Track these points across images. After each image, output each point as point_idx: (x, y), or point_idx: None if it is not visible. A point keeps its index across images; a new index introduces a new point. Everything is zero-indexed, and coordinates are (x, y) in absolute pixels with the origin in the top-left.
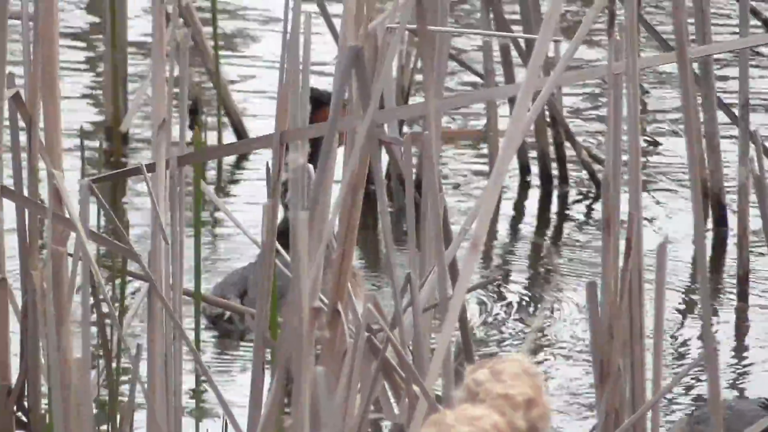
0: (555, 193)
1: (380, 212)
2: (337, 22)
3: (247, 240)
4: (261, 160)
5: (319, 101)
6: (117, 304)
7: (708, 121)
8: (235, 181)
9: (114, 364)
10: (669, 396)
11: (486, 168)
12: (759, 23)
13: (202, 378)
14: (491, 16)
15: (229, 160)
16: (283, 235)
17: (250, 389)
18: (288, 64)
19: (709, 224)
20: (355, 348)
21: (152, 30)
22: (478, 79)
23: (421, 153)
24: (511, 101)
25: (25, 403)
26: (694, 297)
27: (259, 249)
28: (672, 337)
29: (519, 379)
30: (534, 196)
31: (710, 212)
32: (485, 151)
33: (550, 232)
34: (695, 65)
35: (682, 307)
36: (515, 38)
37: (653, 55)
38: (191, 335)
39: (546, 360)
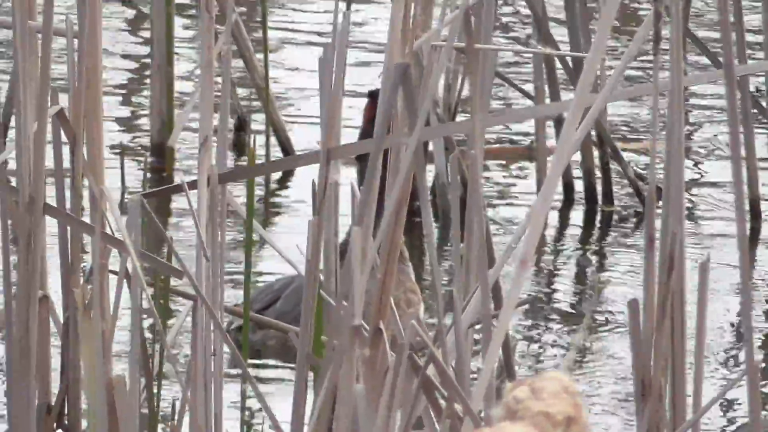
0: (599, 211)
1: (426, 234)
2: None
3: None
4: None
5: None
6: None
7: (747, 136)
8: (282, 196)
9: (156, 382)
10: (709, 415)
11: (525, 183)
12: None
13: (249, 394)
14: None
15: (276, 174)
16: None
17: (292, 406)
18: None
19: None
20: (398, 366)
21: (200, 48)
22: (512, 95)
23: (464, 171)
24: (557, 120)
25: (65, 421)
26: (735, 315)
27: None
28: (713, 354)
29: (559, 397)
30: (578, 213)
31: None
32: (522, 166)
33: (593, 250)
34: None
35: (723, 325)
36: (562, 56)
37: (699, 73)
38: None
39: (586, 377)
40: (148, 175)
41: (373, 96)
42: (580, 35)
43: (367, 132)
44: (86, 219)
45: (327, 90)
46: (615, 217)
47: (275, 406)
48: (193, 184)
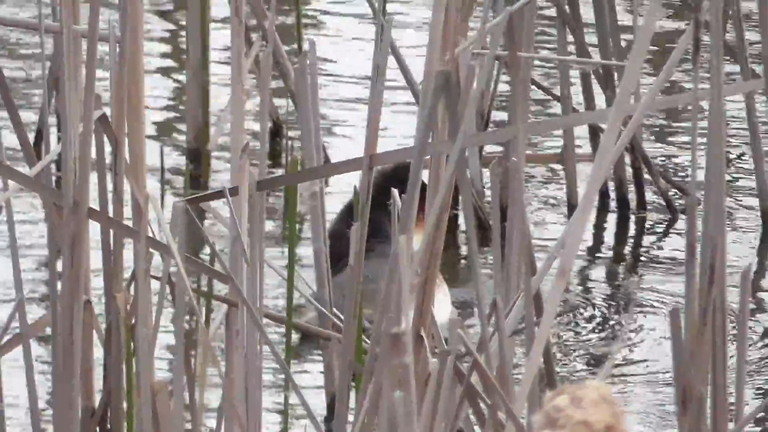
0: (632, 219)
1: (468, 239)
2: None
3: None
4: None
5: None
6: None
7: None
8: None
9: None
10: (752, 424)
11: (554, 192)
12: None
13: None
14: (569, 39)
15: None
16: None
17: (335, 413)
18: (377, 85)
19: None
20: (441, 372)
21: (232, 54)
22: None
23: (505, 178)
24: (592, 127)
25: (108, 425)
26: None
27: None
28: (755, 363)
29: (598, 405)
30: (611, 221)
31: None
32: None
33: (627, 258)
34: None
35: (762, 334)
36: (597, 65)
37: (739, 82)
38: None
39: (626, 387)
40: (185, 181)
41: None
42: (611, 43)
43: None
44: (127, 224)
45: (377, 98)
46: (647, 224)
47: (316, 412)
48: (234, 191)
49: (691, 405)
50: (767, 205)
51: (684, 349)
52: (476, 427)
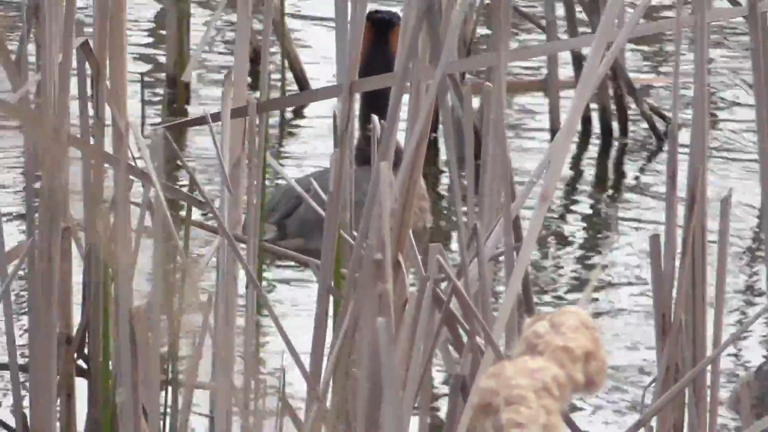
0: (615, 145)
1: (449, 166)
2: None
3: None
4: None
5: (390, 23)
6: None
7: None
8: (292, 134)
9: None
10: (732, 351)
11: (533, 119)
12: None
13: (264, 323)
14: None
15: (288, 112)
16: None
17: (312, 339)
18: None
19: None
20: (420, 298)
21: None
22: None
23: (483, 103)
24: (576, 55)
25: (86, 351)
26: (759, 254)
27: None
28: (735, 292)
29: (578, 331)
30: (594, 147)
31: None
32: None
33: (609, 184)
34: None
35: (746, 265)
36: None
37: (723, 7)
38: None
39: (605, 313)
40: (164, 108)
41: (370, 20)
42: None
43: (368, 60)
44: (109, 150)
45: (343, 21)
46: (630, 150)
47: (295, 340)
48: (215, 117)
49: (670, 331)
50: None
51: (663, 275)
52: (454, 352)
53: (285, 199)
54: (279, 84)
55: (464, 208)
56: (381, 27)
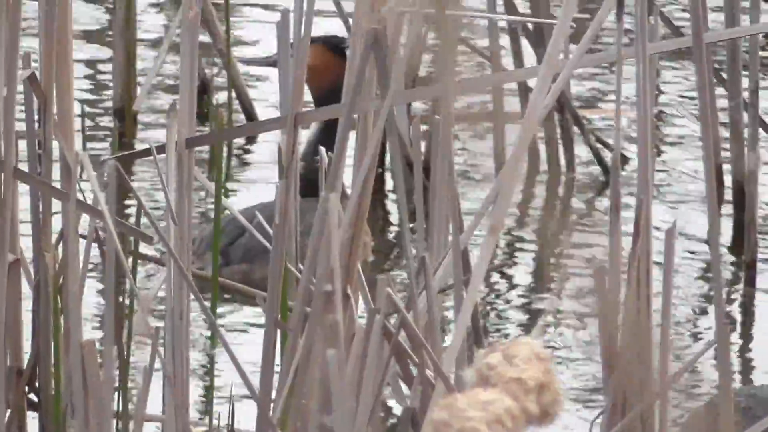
0: (562, 178)
1: (396, 193)
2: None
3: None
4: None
5: (341, 48)
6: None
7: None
8: (245, 164)
9: (128, 347)
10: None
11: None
12: None
13: (216, 352)
14: None
15: (239, 143)
16: None
17: (260, 370)
18: (296, 41)
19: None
20: (369, 331)
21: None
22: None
23: (431, 135)
24: (522, 85)
25: (37, 384)
26: (706, 284)
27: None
28: (678, 324)
29: (531, 363)
30: (541, 180)
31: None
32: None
33: (557, 216)
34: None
35: (694, 294)
36: (532, 23)
37: (665, 40)
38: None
39: (554, 345)
40: (111, 140)
41: (330, 44)
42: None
43: (338, 85)
44: (57, 183)
45: (285, 53)
46: (577, 182)
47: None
48: (161, 149)
49: (616, 363)
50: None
51: (609, 307)
52: (404, 385)
53: (228, 228)
54: (227, 114)
55: (414, 240)
56: (343, 51)
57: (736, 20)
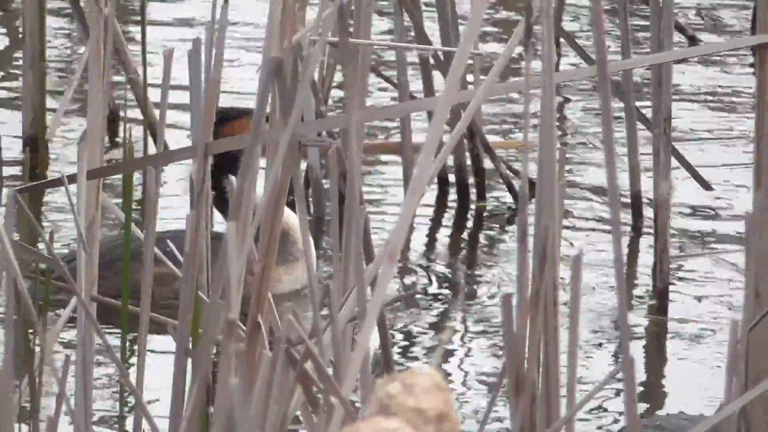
0: (472, 206)
1: (300, 226)
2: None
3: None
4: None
5: (223, 118)
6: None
7: (630, 136)
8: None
9: (37, 376)
10: (587, 413)
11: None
12: (683, 39)
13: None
14: (404, 25)
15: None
16: None
17: (171, 398)
18: (207, 75)
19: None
20: (274, 359)
21: (75, 42)
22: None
23: (342, 168)
24: (431, 114)
25: None
26: (611, 313)
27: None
28: (591, 349)
29: (431, 393)
30: (451, 208)
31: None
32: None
33: (466, 245)
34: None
35: (600, 324)
36: (433, 50)
37: (572, 69)
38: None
39: (459, 373)
40: (23, 169)
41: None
42: (451, 30)
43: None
44: None
45: (197, 84)
46: (487, 210)
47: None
48: (72, 178)
49: (523, 391)
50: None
51: (516, 335)
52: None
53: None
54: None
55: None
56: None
57: (664, 46)
